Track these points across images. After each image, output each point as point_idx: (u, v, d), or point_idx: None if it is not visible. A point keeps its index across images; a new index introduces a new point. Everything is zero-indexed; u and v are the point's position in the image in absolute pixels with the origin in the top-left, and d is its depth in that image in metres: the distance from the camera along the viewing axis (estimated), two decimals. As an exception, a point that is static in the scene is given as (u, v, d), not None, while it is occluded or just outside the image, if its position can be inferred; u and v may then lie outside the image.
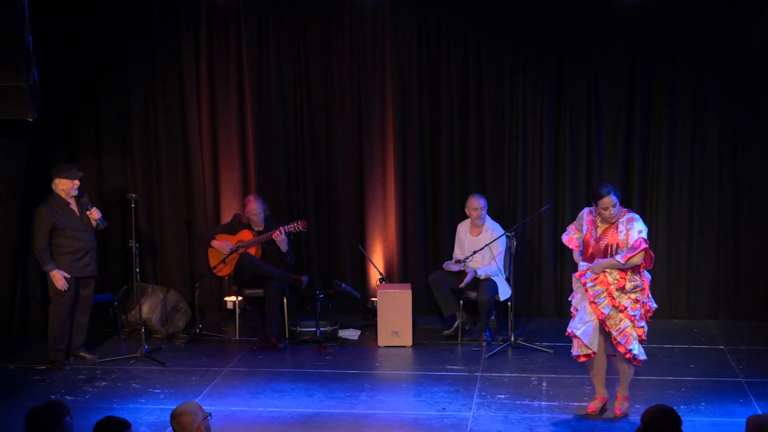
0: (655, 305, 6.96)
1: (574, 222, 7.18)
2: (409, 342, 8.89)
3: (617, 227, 6.85)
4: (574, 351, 6.99)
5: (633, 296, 6.79)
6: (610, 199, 6.80)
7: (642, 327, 6.82)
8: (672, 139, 9.45)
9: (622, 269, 6.78)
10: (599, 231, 6.91)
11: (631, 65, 9.42)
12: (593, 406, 7.10)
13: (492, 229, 9.01)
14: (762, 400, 7.32)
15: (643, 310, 6.83)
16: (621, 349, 6.80)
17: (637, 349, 6.82)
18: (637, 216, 6.91)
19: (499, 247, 8.93)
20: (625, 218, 6.87)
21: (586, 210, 7.09)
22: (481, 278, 8.90)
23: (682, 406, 7.12)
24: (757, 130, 9.37)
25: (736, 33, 9.25)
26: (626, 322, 6.77)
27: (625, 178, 9.51)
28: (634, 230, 6.79)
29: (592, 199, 6.92)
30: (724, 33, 9.26)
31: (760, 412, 6.79)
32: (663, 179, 9.49)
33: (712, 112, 9.39)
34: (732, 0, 9.23)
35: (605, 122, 9.54)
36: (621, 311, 6.79)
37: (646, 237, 6.81)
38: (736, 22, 9.23)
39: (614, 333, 6.78)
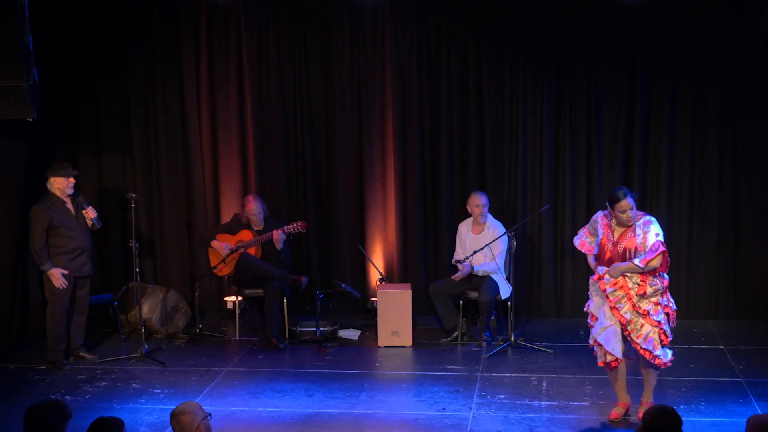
0: (674, 306, 6.88)
1: (587, 226, 7.09)
2: (409, 342, 8.89)
3: (634, 230, 6.75)
4: (601, 359, 6.88)
5: (654, 299, 6.72)
6: (627, 202, 6.69)
7: (665, 330, 6.73)
8: (672, 139, 9.45)
9: (642, 273, 6.70)
10: (616, 235, 6.82)
11: (631, 65, 9.42)
12: (616, 412, 6.96)
13: (494, 227, 9.02)
14: (762, 400, 7.32)
15: (665, 313, 6.74)
16: (646, 354, 6.70)
17: (662, 353, 6.74)
18: (653, 219, 6.82)
19: (501, 246, 8.93)
20: (641, 221, 6.77)
21: (600, 214, 6.98)
22: (479, 275, 8.90)
23: (682, 406, 7.12)
24: (757, 130, 9.36)
25: (736, 33, 9.25)
26: (648, 327, 6.69)
27: (625, 178, 9.50)
28: (652, 233, 6.70)
29: (608, 202, 6.81)
30: (724, 33, 9.26)
31: (760, 412, 6.80)
32: (663, 179, 9.49)
33: (712, 112, 9.39)
34: (732, 0, 9.23)
35: (605, 122, 9.54)
36: (643, 316, 6.69)
37: (663, 240, 6.73)
38: (736, 22, 9.23)
39: (635, 338, 6.69)
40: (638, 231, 6.75)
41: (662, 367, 6.80)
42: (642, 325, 6.71)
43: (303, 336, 9.11)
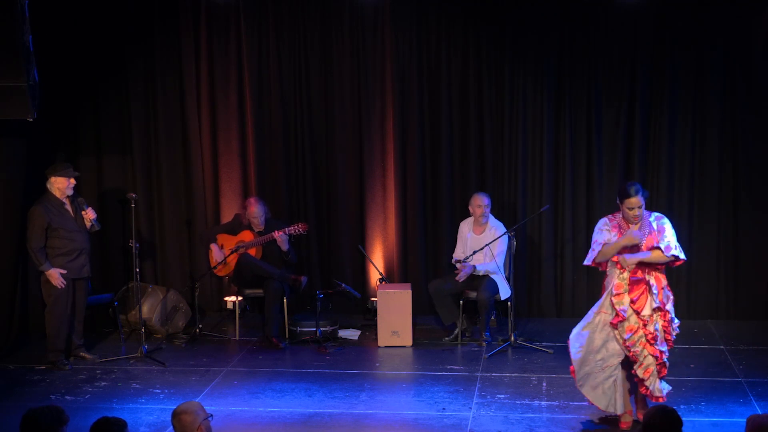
0: (677, 330, 6.72)
1: (596, 239, 6.74)
2: (409, 342, 8.90)
3: (650, 225, 6.58)
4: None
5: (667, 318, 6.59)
6: (637, 200, 6.52)
7: (665, 362, 6.61)
8: (672, 139, 9.46)
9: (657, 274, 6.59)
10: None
11: (631, 65, 9.43)
12: (626, 421, 6.82)
13: (495, 228, 9.04)
14: (762, 400, 7.33)
15: (666, 339, 6.61)
16: (642, 390, 6.62)
17: (654, 387, 6.61)
18: (663, 216, 6.72)
19: (500, 246, 8.93)
20: (653, 216, 6.63)
21: (603, 220, 6.76)
22: (480, 274, 8.91)
23: (682, 406, 7.12)
24: (758, 131, 9.37)
25: (736, 33, 9.25)
26: (650, 358, 6.57)
27: (625, 177, 9.50)
28: (668, 229, 6.59)
29: (619, 197, 6.64)
30: (724, 33, 9.26)
31: (760, 412, 6.80)
32: (663, 179, 9.49)
33: (712, 112, 9.40)
34: (732, 0, 9.23)
35: (605, 122, 9.54)
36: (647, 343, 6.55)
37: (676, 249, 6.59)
38: (736, 22, 9.24)
39: (638, 370, 6.58)
40: (654, 226, 6.61)
41: (655, 401, 6.61)
42: (645, 357, 6.57)
43: (303, 336, 9.11)
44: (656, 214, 6.74)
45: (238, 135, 9.93)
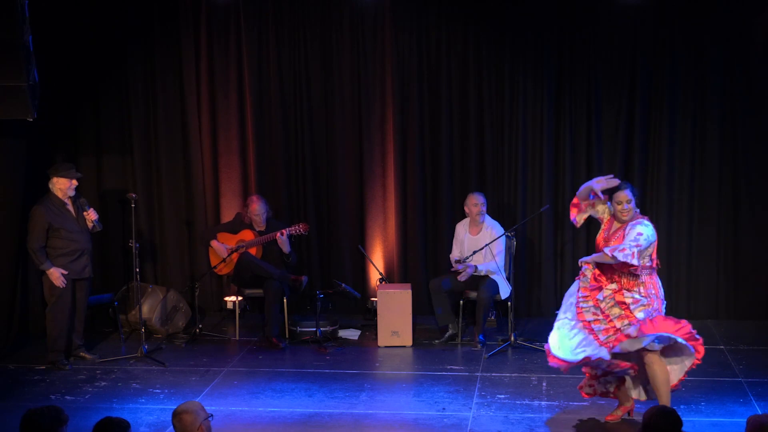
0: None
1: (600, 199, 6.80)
2: (409, 342, 8.90)
3: (625, 228, 6.56)
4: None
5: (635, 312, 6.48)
6: (625, 195, 6.55)
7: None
8: (672, 139, 9.46)
9: (617, 275, 6.52)
10: (612, 230, 6.66)
11: (631, 65, 9.43)
12: (615, 415, 6.87)
13: (492, 228, 9.03)
14: (762, 400, 7.33)
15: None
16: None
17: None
18: (647, 222, 6.56)
19: (499, 246, 8.93)
20: (635, 221, 6.55)
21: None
22: (481, 274, 8.90)
23: (682, 406, 7.12)
24: (758, 130, 9.37)
25: (736, 33, 9.25)
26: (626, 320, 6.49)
27: (625, 177, 9.47)
28: (634, 231, 6.43)
29: (610, 192, 6.67)
30: (724, 33, 9.26)
31: (760, 412, 6.80)
32: (663, 179, 9.50)
33: (712, 112, 9.40)
34: (732, 0, 9.23)
35: (605, 122, 9.54)
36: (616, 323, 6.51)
37: (642, 243, 6.39)
38: (736, 22, 9.24)
39: (618, 325, 6.50)
40: (627, 229, 6.55)
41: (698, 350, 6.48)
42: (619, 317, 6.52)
43: (303, 336, 9.11)
44: (641, 219, 6.58)
45: (238, 135, 9.93)
